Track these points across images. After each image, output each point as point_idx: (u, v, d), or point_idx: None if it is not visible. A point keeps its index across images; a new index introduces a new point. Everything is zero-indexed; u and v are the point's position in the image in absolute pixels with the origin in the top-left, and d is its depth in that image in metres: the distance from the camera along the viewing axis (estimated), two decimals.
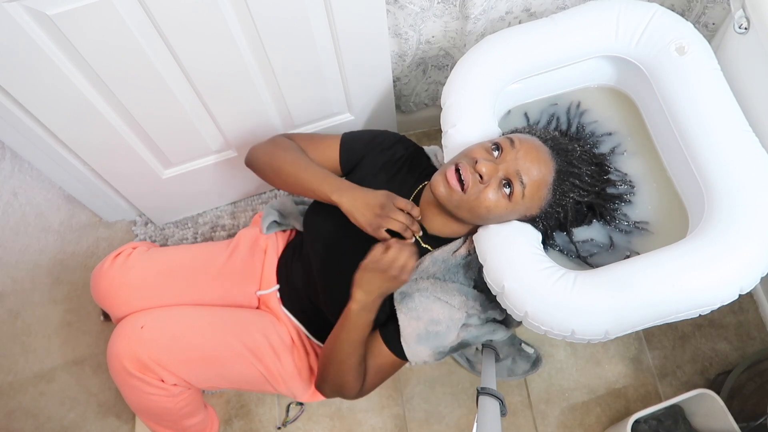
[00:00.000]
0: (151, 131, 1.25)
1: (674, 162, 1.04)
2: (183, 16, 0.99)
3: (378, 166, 1.13)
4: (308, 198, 1.13)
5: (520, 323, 1.02)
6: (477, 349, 1.43)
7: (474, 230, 1.01)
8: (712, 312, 0.89)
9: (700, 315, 0.88)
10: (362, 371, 1.02)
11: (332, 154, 1.16)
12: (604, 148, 1.10)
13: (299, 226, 1.27)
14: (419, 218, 1.03)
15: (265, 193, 1.68)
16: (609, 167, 1.05)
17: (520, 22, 1.34)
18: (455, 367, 1.49)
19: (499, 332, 1.05)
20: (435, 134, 1.75)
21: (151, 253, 1.23)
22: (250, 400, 1.48)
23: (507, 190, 0.92)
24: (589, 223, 1.03)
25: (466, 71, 1.06)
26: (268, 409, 1.47)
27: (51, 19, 0.92)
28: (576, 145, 1.00)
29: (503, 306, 0.94)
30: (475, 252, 0.99)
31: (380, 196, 1.01)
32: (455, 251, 1.02)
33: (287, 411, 1.47)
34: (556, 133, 1.06)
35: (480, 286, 1.03)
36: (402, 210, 1.00)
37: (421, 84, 1.52)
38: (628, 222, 1.03)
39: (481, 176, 0.91)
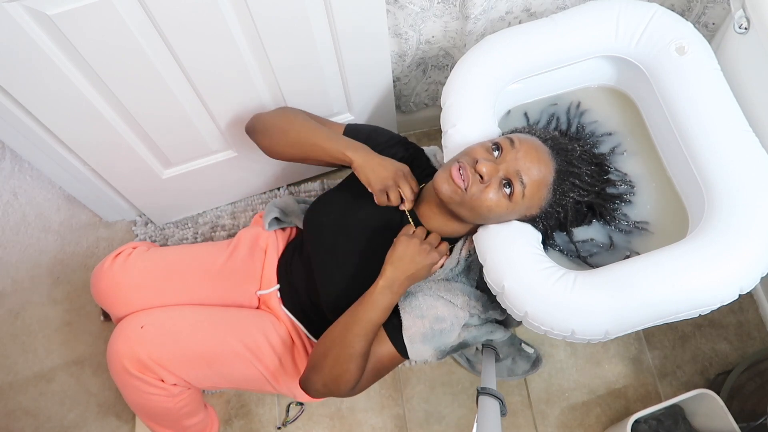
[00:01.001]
0: (151, 131, 1.25)
1: (674, 162, 1.04)
2: (183, 16, 0.99)
3: None
4: (314, 159, 1.11)
5: (520, 323, 1.02)
6: (477, 349, 1.43)
7: (474, 230, 1.01)
8: (712, 312, 0.88)
9: (700, 315, 0.88)
10: (364, 364, 0.99)
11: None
12: (604, 148, 1.10)
13: (300, 225, 1.28)
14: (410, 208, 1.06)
15: (265, 193, 1.68)
16: (609, 167, 1.05)
17: (520, 22, 1.34)
18: (455, 367, 1.49)
19: (497, 332, 1.05)
20: (435, 134, 1.75)
21: (151, 252, 1.23)
22: (250, 400, 1.48)
23: (507, 190, 0.92)
24: (589, 223, 1.03)
25: (466, 71, 1.06)
26: (268, 409, 1.47)
27: (51, 19, 0.92)
28: (576, 145, 1.00)
29: (503, 306, 0.94)
30: (475, 252, 1.00)
31: (401, 165, 1.05)
32: (458, 255, 1.03)
33: (287, 411, 1.47)
34: (556, 133, 1.06)
35: (482, 286, 1.04)
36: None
37: (421, 84, 1.51)
38: (627, 222, 1.03)
39: (481, 176, 0.91)
